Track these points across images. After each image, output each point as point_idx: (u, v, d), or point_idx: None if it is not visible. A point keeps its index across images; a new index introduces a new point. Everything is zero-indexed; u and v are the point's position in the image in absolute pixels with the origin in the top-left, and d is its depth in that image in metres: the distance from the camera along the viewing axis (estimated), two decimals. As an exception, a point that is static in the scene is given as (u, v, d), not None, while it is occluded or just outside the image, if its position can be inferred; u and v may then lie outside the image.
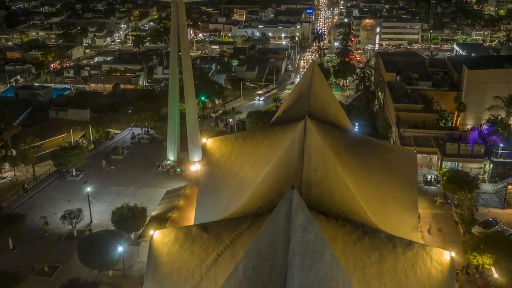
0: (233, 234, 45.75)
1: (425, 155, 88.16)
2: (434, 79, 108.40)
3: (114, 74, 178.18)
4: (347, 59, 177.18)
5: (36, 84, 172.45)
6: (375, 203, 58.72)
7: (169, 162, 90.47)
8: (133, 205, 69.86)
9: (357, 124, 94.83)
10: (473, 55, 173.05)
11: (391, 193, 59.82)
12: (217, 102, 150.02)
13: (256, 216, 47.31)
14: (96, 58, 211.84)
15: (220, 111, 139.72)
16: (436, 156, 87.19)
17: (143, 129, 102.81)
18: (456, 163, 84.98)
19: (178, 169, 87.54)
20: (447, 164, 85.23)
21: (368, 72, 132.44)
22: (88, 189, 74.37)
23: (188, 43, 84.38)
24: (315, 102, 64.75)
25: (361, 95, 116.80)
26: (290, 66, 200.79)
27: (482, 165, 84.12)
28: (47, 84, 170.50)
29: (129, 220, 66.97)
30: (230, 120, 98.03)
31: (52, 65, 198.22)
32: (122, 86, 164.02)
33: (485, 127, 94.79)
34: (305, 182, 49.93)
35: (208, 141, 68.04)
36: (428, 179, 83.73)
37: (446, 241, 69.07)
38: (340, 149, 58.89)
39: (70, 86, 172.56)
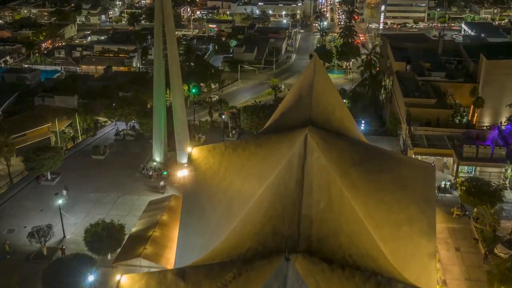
0: (216, 285, 37.49)
1: (439, 157, 79.37)
2: (447, 68, 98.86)
3: (107, 55, 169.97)
4: (351, 41, 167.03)
5: (26, 66, 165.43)
6: (387, 228, 50.34)
7: (155, 164, 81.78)
8: (110, 221, 61.32)
9: (363, 122, 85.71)
10: (483, 36, 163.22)
11: (405, 215, 51.52)
12: (213, 86, 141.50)
13: (244, 262, 38.97)
14: (89, 38, 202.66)
15: (216, 97, 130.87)
16: (452, 159, 78.35)
17: (128, 124, 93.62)
18: (474, 167, 76.28)
19: (165, 172, 78.84)
20: (464, 168, 76.49)
21: (375, 58, 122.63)
22: (60, 201, 65.72)
23: (174, 32, 74.95)
24: (317, 106, 55.82)
25: (367, 84, 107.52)
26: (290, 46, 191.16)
27: (503, 170, 75.29)
28: (36, 66, 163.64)
29: (104, 241, 58.54)
30: (223, 116, 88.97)
31: (43, 44, 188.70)
32: (114, 68, 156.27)
33: (506, 125, 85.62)
34: (305, 218, 41.44)
35: (194, 151, 59.52)
36: (443, 186, 74.96)
37: (465, 264, 60.80)
38: (347, 166, 50.26)
39: (61, 68, 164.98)
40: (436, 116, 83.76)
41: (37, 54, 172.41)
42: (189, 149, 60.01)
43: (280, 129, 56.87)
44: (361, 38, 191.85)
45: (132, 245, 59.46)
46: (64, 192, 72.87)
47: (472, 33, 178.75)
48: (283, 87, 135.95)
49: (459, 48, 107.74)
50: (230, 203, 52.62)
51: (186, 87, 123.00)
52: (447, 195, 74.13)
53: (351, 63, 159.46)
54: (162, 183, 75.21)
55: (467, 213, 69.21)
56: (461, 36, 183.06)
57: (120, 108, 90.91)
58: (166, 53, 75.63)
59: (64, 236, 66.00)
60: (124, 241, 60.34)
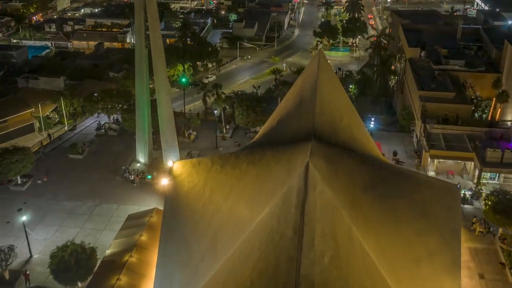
0: None
1: (459, 161, 70.45)
2: (466, 54, 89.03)
3: (99, 29, 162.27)
4: (357, 16, 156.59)
5: (14, 41, 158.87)
6: (403, 265, 41.65)
7: (138, 165, 73.00)
8: (80, 242, 52.84)
9: (372, 119, 76.48)
10: (498, 10, 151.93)
11: (426, 250, 42.71)
12: (210, 65, 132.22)
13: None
14: (82, 10, 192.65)
15: (214, 77, 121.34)
16: (472, 163, 69.37)
17: (112, 116, 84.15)
18: (498, 174, 67.49)
19: (149, 176, 70.02)
20: (487, 175, 67.63)
21: (385, 41, 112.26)
22: (24, 217, 57.08)
23: (157, 20, 64.86)
24: (322, 114, 46.31)
25: (376, 71, 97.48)
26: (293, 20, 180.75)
27: (532, 178, 66.51)
28: (25, 42, 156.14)
29: (71, 270, 50.12)
30: (215, 111, 79.55)
31: (34, 17, 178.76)
32: (107, 44, 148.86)
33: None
34: (305, 279, 32.61)
35: (176, 166, 50.60)
36: (462, 196, 66.15)
37: (491, 297, 52.45)
38: (357, 192, 41.35)
39: (51, 43, 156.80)
40: (455, 112, 74.35)
41: (27, 28, 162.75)
42: (170, 162, 51.16)
43: (277, 141, 47.89)
44: (369, 16, 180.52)
45: (105, 273, 50.95)
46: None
47: (486, 7, 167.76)
48: (284, 66, 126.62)
49: (479, 32, 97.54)
50: (216, 235, 44.15)
51: (181, 67, 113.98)
52: (466, 206, 65.25)
53: (357, 40, 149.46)
54: None
55: (491, 229, 60.50)
56: (474, 10, 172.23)
57: (102, 100, 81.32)
58: (149, 42, 66.20)
59: (31, 256, 57.78)
60: (96, 268, 51.96)
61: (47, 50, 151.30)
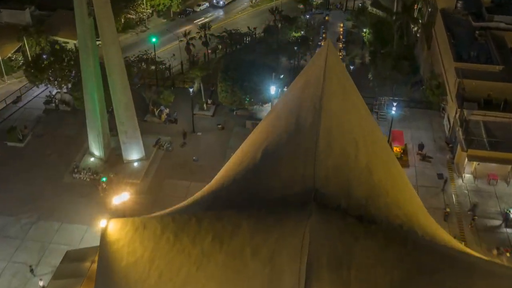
0: None
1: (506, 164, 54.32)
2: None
3: None
4: None
5: None
6: None
7: (92, 160, 57.10)
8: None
9: (394, 105, 59.12)
10: None
11: None
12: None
13: None
14: None
15: (206, 4, 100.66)
16: (524, 167, 53.34)
17: (63, 86, 66.48)
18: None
19: (103, 178, 54.13)
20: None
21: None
22: None
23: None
24: (327, 156, 30.06)
25: (395, 20, 78.11)
26: None
27: None
28: None
29: None
30: (191, 89, 61.52)
31: None
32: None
33: None
34: None
35: (112, 226, 34.80)
36: (509, 214, 50.67)
37: None
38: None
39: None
40: (501, 93, 57.13)
41: None
42: (102, 222, 35.41)
43: (261, 192, 31.52)
44: None
45: None
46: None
47: None
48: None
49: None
50: None
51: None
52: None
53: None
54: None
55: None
56: None
57: (49, 68, 63.41)
58: (93, 9, 48.32)
59: None
60: None
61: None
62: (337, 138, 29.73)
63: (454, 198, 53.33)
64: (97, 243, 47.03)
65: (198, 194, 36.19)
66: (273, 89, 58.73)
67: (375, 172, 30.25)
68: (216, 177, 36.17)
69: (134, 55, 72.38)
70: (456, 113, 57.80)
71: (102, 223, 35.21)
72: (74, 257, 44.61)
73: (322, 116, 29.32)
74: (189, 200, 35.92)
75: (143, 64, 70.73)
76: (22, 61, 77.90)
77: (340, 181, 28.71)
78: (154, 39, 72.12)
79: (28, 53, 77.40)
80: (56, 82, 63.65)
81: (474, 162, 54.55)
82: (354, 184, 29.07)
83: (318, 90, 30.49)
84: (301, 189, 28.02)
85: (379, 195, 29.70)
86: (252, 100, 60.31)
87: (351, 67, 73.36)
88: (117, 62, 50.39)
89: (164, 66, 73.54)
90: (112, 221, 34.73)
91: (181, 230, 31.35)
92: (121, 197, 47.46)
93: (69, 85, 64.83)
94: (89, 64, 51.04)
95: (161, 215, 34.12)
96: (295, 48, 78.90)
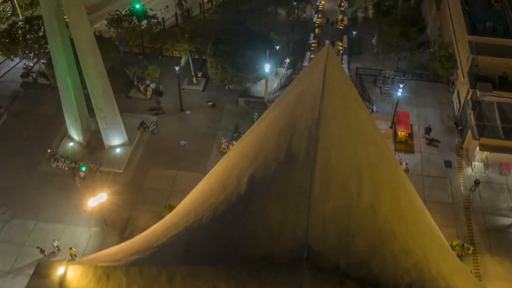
0: None
1: (520, 155, 49.77)
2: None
3: None
4: None
5: None
6: None
7: (71, 145, 52.73)
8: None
9: (401, 86, 53.90)
10: None
11: None
12: None
13: None
14: None
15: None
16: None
17: (40, 60, 60.81)
18: None
19: (83, 168, 49.85)
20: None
21: None
22: None
23: None
24: (324, 201, 25.46)
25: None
26: None
27: None
28: None
29: None
30: (177, 68, 55.00)
31: None
32: None
33: None
34: None
35: (71, 274, 31.05)
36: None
37: None
38: None
39: None
40: (518, 71, 51.97)
41: None
42: (60, 270, 31.40)
43: (244, 242, 27.40)
44: None
45: None
46: None
47: None
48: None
49: None
50: None
51: None
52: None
53: None
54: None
55: None
56: None
57: (23, 39, 57.59)
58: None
59: None
60: None
61: None
62: (337, 172, 25.37)
63: (462, 191, 49.10)
64: (74, 246, 43.74)
65: (174, 219, 32.04)
66: (267, 67, 53.39)
67: (381, 209, 25.99)
68: (196, 192, 32.03)
69: (117, 10, 66.20)
70: (468, 93, 52.74)
71: (59, 270, 31.16)
72: (43, 270, 41.00)
73: (319, 148, 24.91)
74: (164, 224, 31.79)
75: (126, 23, 64.73)
76: (11, 12, 73.15)
77: (338, 231, 24.69)
78: (137, 5, 65.02)
79: (16, 2, 73.26)
80: (31, 55, 58.16)
81: (486, 153, 50.06)
82: (355, 233, 25.01)
83: (315, 111, 25.99)
84: (292, 245, 24.21)
85: (384, 243, 25.55)
86: (245, 78, 55.19)
87: (353, 33, 67.04)
88: (88, 45, 44.95)
89: (156, 21, 67.23)
90: (71, 268, 31.06)
91: (150, 285, 27.63)
92: (98, 198, 43.41)
93: (46, 59, 59.46)
94: (57, 46, 45.60)
95: (126, 265, 29.74)
96: (294, 3, 73.79)
